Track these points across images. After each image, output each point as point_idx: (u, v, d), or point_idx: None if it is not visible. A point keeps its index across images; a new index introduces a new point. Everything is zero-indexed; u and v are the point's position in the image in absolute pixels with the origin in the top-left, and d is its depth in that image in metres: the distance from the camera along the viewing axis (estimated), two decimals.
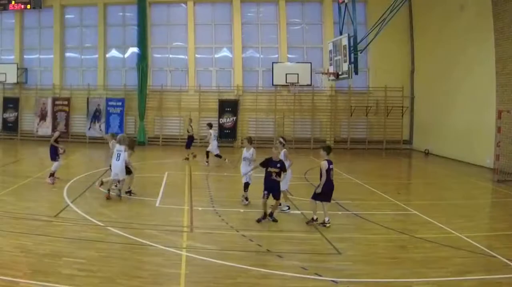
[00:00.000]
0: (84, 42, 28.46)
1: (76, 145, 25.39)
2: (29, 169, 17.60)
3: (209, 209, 11.41)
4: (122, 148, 12.13)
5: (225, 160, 18.51)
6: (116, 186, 12.35)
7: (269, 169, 10.27)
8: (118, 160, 12.05)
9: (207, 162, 18.59)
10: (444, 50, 22.96)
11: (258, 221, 10.22)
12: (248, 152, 12.04)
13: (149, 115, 27.14)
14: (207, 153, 18.68)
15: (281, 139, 11.87)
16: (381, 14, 17.96)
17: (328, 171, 10.05)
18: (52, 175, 14.06)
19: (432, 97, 24.51)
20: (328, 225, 9.97)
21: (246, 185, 11.82)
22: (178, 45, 27.95)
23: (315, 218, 10.20)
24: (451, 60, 22.29)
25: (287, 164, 10.91)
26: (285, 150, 11.51)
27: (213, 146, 18.56)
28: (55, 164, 14.18)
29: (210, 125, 18.98)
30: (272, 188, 10.22)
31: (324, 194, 10.04)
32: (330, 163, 10.19)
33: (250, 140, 12.28)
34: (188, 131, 20.81)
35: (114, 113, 27.17)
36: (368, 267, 7.74)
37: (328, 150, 10.58)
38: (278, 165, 10.28)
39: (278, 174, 10.22)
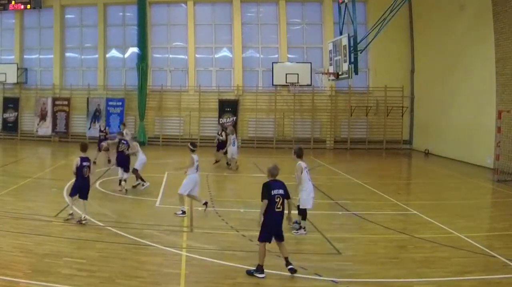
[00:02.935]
0: (84, 42, 28.46)
1: (76, 145, 25.28)
2: (29, 169, 17.60)
3: (209, 209, 11.41)
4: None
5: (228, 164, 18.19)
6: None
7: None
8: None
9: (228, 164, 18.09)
10: (444, 50, 22.95)
11: None
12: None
13: (149, 115, 27.13)
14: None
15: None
16: (381, 14, 17.98)
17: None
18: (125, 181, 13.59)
19: (432, 97, 24.50)
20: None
21: None
22: (178, 45, 27.95)
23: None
24: (451, 60, 22.28)
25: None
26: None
27: (231, 151, 17.77)
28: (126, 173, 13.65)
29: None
30: None
31: None
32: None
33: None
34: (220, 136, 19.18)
35: (114, 113, 27.16)
36: (368, 267, 7.74)
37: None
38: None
39: None
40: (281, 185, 7.40)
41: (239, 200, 12.34)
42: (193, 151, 10.91)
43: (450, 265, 7.80)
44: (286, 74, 25.54)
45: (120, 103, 27.16)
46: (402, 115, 26.24)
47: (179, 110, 27.03)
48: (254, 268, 7.21)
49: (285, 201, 7.39)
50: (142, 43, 26.54)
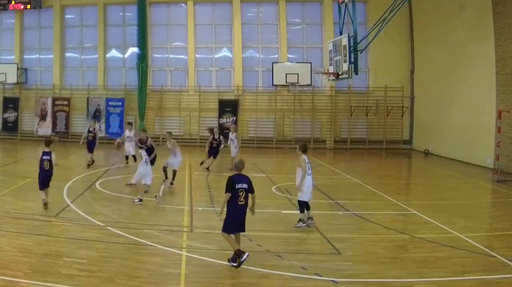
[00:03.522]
0: (84, 42, 28.46)
1: (76, 145, 25.31)
2: (29, 169, 17.51)
3: (209, 209, 11.41)
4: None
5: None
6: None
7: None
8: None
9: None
10: (444, 50, 22.95)
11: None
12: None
13: (149, 115, 27.13)
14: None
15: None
16: (381, 14, 17.99)
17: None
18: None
19: (432, 97, 24.50)
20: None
21: None
22: (178, 45, 27.96)
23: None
24: (451, 60, 22.29)
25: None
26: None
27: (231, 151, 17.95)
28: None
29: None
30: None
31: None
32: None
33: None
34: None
35: (114, 113, 27.17)
36: (368, 267, 7.74)
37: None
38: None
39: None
40: (246, 180, 7.67)
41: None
42: (140, 147, 12.42)
43: (450, 265, 7.80)
44: (286, 74, 25.54)
45: (120, 103, 27.16)
46: (402, 115, 26.24)
47: (179, 110, 27.03)
48: (232, 256, 7.50)
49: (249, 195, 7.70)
50: (142, 43, 26.53)
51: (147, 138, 13.63)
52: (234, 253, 7.44)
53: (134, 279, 6.95)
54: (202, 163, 17.45)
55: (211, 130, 17.63)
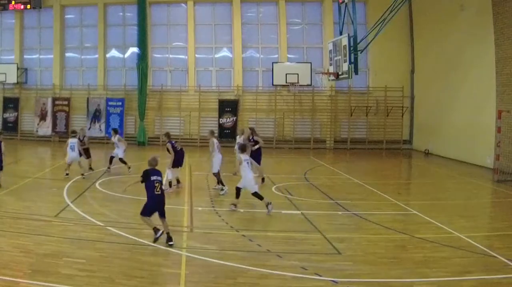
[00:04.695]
0: (84, 42, 28.45)
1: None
2: (29, 169, 17.61)
3: (209, 209, 11.41)
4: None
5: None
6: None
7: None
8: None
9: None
10: (444, 50, 22.96)
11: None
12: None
13: (149, 115, 27.14)
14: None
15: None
16: (381, 14, 17.96)
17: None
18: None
19: (432, 97, 24.50)
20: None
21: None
22: (178, 45, 27.95)
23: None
24: (451, 60, 22.28)
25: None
26: None
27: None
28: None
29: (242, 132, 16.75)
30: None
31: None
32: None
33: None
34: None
35: (114, 113, 27.17)
36: (368, 267, 7.73)
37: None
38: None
39: None
40: (159, 173, 8.85)
41: (239, 200, 12.31)
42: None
43: (450, 265, 7.80)
44: (286, 74, 25.54)
45: (120, 103, 27.16)
46: (402, 115, 26.24)
47: (179, 110, 27.03)
48: (154, 233, 8.61)
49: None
50: (142, 43, 26.56)
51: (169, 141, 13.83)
52: (153, 229, 8.64)
53: (134, 279, 6.95)
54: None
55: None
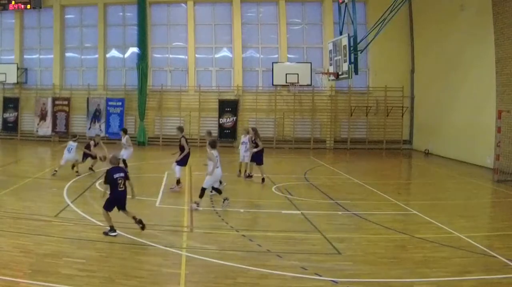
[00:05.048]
0: (84, 42, 28.45)
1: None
2: (29, 169, 17.60)
3: (209, 209, 11.41)
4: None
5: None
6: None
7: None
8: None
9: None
10: (444, 50, 22.96)
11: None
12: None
13: (149, 115, 27.14)
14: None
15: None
16: (381, 14, 17.97)
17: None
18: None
19: (432, 97, 24.51)
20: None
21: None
22: (178, 45, 27.96)
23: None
24: (451, 60, 22.28)
25: None
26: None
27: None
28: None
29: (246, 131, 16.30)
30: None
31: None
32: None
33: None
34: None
35: (114, 113, 27.18)
36: (368, 267, 7.73)
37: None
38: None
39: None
40: (121, 170, 9.19)
41: (239, 200, 12.33)
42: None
43: (450, 265, 7.80)
44: (286, 74, 25.54)
45: (120, 103, 27.16)
46: (402, 115, 26.24)
47: (179, 110, 27.03)
48: (109, 229, 8.90)
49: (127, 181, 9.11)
50: (142, 43, 26.56)
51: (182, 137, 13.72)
52: (110, 226, 8.93)
53: (134, 279, 6.95)
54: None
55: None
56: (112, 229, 8.93)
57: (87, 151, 15.89)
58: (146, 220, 10.25)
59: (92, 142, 16.16)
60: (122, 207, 9.08)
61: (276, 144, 26.30)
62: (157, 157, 22.67)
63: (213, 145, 11.56)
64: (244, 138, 16.19)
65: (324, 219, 10.73)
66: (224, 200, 11.51)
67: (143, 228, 8.98)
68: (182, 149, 13.54)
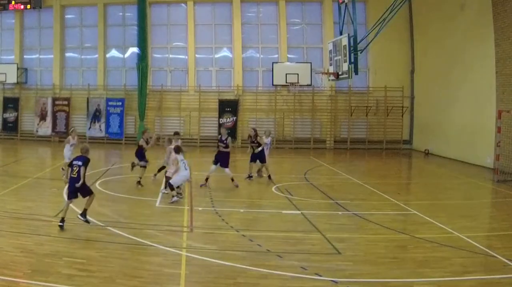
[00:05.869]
0: (84, 42, 28.46)
1: (76, 145, 25.33)
2: (29, 169, 17.59)
3: (209, 209, 11.41)
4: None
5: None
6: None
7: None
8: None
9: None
10: (444, 50, 22.96)
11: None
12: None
13: (149, 115, 27.15)
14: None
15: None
16: (381, 14, 17.98)
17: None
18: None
19: (432, 97, 24.51)
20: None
21: None
22: (178, 45, 27.97)
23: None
24: (451, 60, 22.29)
25: None
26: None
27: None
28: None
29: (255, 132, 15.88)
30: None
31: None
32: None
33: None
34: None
35: (114, 113, 27.18)
36: (368, 267, 7.73)
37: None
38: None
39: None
40: (81, 158, 9.48)
41: (239, 200, 12.33)
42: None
43: (450, 265, 7.80)
44: (286, 74, 25.55)
45: (120, 103, 27.16)
46: (402, 115, 26.25)
47: (179, 110, 27.03)
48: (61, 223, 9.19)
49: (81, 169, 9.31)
50: (142, 43, 26.57)
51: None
52: (62, 217, 9.28)
53: (134, 279, 6.95)
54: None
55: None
56: (63, 220, 9.22)
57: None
58: (146, 220, 10.29)
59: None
60: (82, 194, 9.44)
61: (276, 143, 26.28)
62: (157, 157, 22.64)
63: (177, 151, 11.90)
64: (266, 139, 16.39)
65: (324, 219, 10.72)
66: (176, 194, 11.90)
67: (86, 221, 9.35)
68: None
